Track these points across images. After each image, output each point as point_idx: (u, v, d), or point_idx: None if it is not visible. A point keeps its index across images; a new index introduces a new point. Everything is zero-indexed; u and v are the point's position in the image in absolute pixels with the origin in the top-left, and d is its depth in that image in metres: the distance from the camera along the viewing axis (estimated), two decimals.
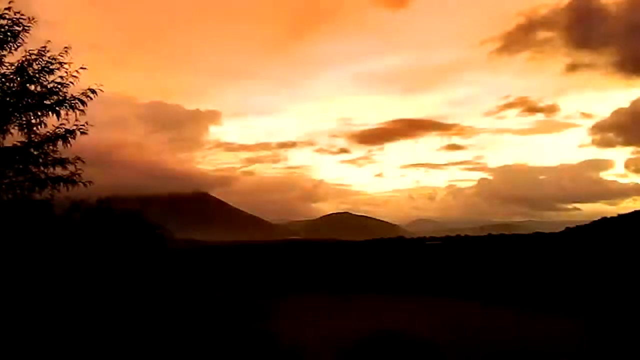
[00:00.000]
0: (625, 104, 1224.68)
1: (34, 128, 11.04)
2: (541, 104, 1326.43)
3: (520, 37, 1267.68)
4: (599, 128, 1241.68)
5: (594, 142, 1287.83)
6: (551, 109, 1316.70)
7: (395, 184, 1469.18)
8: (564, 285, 66.36)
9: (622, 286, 49.86)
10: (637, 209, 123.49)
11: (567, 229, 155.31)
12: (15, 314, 11.30)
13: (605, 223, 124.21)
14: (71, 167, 11.20)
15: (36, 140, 11.07)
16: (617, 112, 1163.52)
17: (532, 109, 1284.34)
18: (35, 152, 11.09)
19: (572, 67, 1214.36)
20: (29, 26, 10.79)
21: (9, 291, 11.25)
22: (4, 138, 10.83)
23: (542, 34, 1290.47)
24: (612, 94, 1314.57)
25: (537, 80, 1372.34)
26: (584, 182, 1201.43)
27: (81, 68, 11.09)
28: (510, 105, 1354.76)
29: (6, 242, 11.13)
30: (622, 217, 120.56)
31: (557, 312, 55.54)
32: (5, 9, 10.62)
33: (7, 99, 10.82)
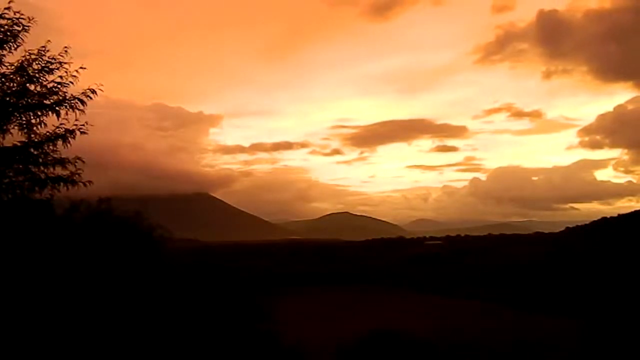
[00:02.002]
0: (609, 108, 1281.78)
1: (34, 128, 11.04)
2: (526, 109, 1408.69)
3: (499, 48, 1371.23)
4: (586, 132, 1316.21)
5: (583, 145, 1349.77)
6: (536, 114, 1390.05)
7: (392, 185, 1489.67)
8: (565, 284, 66.33)
9: (623, 286, 49.84)
10: (634, 209, 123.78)
11: (567, 228, 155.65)
12: (15, 314, 11.30)
13: (605, 223, 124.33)
14: (71, 167, 11.20)
15: (36, 140, 11.06)
16: (602, 117, 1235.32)
17: (518, 114, 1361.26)
18: (35, 152, 11.08)
19: (549, 75, 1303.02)
20: (28, 26, 10.79)
21: (8, 291, 11.25)
22: (4, 138, 10.82)
23: (519, 45, 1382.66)
24: (590, 99, 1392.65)
25: (519, 87, 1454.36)
26: (577, 183, 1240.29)
27: (81, 68, 11.10)
28: (496, 110, 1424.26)
29: (6, 242, 11.13)
30: (622, 217, 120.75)
31: (557, 311, 55.53)
32: (5, 8, 10.62)
33: (7, 98, 10.82)
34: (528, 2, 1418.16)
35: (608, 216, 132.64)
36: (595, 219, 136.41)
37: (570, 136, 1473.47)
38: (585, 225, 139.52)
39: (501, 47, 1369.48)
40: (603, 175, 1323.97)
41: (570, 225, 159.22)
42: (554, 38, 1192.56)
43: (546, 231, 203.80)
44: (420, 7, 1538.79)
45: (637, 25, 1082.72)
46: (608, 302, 41.99)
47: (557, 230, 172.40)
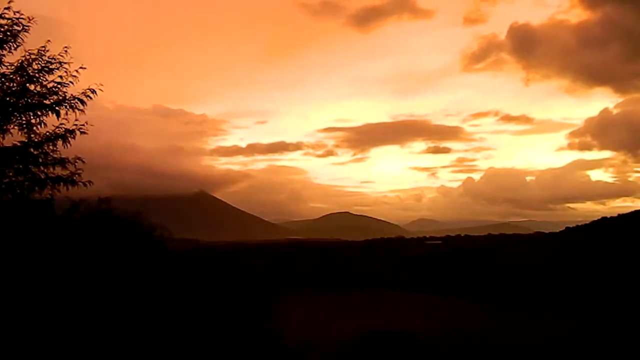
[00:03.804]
0: (593, 112, 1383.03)
1: (34, 128, 11.03)
2: (513, 114, 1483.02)
3: (482, 57, 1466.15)
4: (575, 134, 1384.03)
5: (572, 147, 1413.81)
6: (524, 119, 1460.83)
7: (391, 185, 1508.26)
8: (565, 284, 66.34)
9: (623, 286, 49.85)
10: (631, 209, 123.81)
11: (567, 228, 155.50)
12: (15, 314, 11.29)
13: (605, 223, 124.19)
14: (71, 167, 11.20)
15: (36, 140, 11.06)
16: (589, 120, 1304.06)
17: (506, 118, 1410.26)
18: (35, 152, 11.07)
19: (531, 82, 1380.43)
20: (28, 26, 10.79)
21: (8, 291, 11.24)
22: (3, 138, 10.82)
23: (501, 55, 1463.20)
24: (574, 104, 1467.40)
25: (505, 94, 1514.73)
26: (572, 183, 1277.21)
27: (81, 68, 11.09)
28: (484, 114, 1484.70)
29: (6, 242, 11.12)
30: (622, 217, 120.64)
31: (558, 311, 55.51)
32: (5, 8, 10.62)
33: (7, 98, 10.82)
34: (500, 15, 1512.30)
35: (608, 216, 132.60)
36: (595, 219, 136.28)
37: (560, 139, 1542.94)
38: (585, 225, 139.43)
39: (483, 56, 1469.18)
40: (596, 176, 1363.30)
41: (570, 225, 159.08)
42: (530, 48, 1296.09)
43: (546, 231, 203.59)
44: (396, 19, 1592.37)
45: (607, 35, 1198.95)
46: (608, 302, 41.97)
47: (557, 230, 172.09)
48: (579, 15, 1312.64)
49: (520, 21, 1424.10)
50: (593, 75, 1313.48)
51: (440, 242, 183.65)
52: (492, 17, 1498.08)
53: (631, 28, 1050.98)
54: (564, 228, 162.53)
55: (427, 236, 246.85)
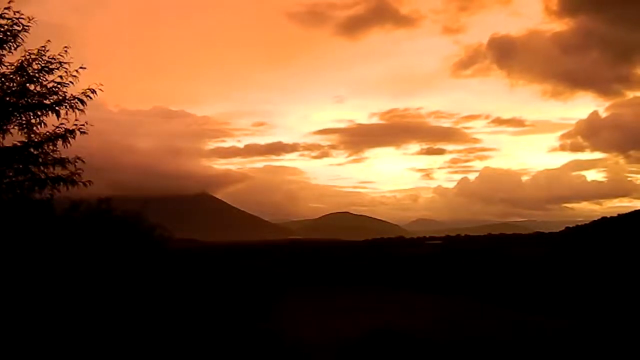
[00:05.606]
0: (582, 115, 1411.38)
1: (34, 128, 11.04)
2: (504, 117, 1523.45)
3: (470, 64, 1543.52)
4: (566, 137, 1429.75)
5: (565, 149, 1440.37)
6: (514, 121, 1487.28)
7: (391, 185, 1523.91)
8: (565, 285, 66.35)
9: (623, 286, 49.85)
10: (630, 209, 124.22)
11: (567, 228, 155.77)
12: (15, 313, 11.28)
13: (605, 223, 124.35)
14: (71, 167, 11.20)
15: (36, 140, 11.07)
16: (579, 123, 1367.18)
17: (496, 121, 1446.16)
18: (35, 152, 11.09)
19: (518, 87, 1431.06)
20: (28, 26, 10.80)
21: (9, 291, 11.24)
22: (3, 138, 10.83)
23: (486, 62, 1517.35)
24: (562, 108, 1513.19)
25: (495, 98, 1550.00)
26: (568, 184, 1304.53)
27: (81, 67, 11.09)
28: (475, 117, 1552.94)
29: (6, 242, 11.12)
30: (621, 217, 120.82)
31: (557, 312, 55.54)
32: (5, 8, 10.62)
33: (7, 98, 10.82)
34: (479, 25, 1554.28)
35: (607, 216, 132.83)
36: (595, 219, 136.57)
37: (551, 141, 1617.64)
38: (585, 225, 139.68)
39: (471, 63, 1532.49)
40: (591, 176, 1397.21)
41: (570, 225, 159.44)
42: (511, 57, 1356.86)
43: (546, 231, 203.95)
44: (380, 29, 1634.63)
45: (584, 43, 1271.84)
46: (608, 303, 41.98)
47: (556, 230, 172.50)
48: (555, 25, 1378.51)
49: (500, 32, 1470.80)
50: (574, 80, 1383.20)
51: (440, 242, 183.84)
52: (471, 27, 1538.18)
53: (606, 35, 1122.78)
54: (563, 228, 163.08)
55: (427, 236, 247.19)
